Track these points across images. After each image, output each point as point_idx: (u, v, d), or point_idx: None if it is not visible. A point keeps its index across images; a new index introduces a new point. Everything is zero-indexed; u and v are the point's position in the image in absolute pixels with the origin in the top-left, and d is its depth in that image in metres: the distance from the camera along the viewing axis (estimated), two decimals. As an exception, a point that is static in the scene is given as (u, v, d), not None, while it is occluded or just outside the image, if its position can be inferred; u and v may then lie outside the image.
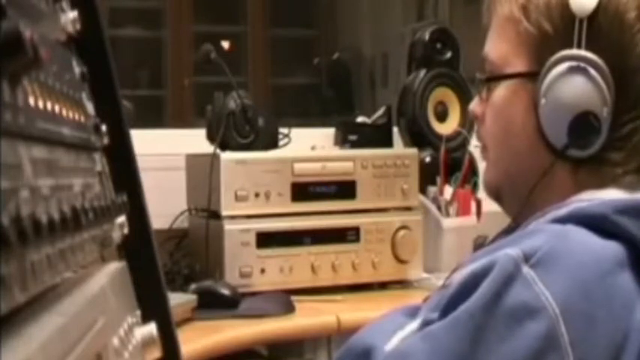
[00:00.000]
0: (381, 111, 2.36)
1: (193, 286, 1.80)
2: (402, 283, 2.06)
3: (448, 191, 2.23)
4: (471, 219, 2.19)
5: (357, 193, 2.02)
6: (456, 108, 2.34)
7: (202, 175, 1.95)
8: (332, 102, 5.52)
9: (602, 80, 1.00)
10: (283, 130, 2.13)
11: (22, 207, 0.43)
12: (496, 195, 1.12)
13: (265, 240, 1.92)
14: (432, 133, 2.32)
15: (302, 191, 1.97)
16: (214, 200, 1.92)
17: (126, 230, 0.73)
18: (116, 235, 0.70)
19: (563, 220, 0.95)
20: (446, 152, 2.24)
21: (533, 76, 1.03)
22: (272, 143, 2.09)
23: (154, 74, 5.85)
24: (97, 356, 0.54)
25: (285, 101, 5.81)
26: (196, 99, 5.39)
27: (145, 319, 0.72)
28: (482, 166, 1.18)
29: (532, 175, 1.05)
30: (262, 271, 1.91)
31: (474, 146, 2.11)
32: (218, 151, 1.95)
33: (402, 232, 2.04)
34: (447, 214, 2.21)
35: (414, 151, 2.13)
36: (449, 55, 2.37)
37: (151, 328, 0.69)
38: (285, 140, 2.13)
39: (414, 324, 0.97)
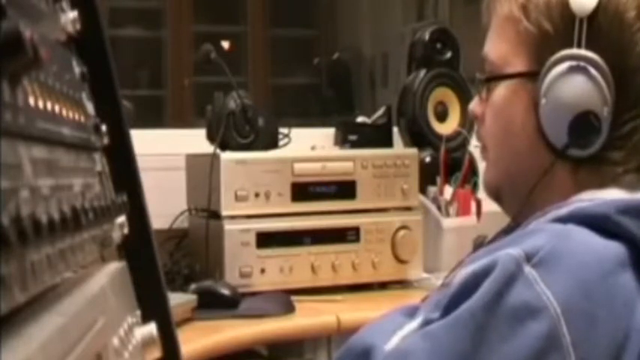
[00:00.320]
0: (381, 111, 2.36)
1: (193, 286, 1.80)
2: (402, 283, 2.06)
3: (448, 191, 2.23)
4: (471, 219, 2.19)
5: (357, 193, 2.02)
6: (456, 108, 2.34)
7: (202, 175, 1.95)
8: (332, 102, 5.52)
9: (603, 79, 1.00)
10: (283, 130, 2.13)
11: (22, 207, 0.43)
12: (496, 195, 1.12)
13: (265, 240, 1.92)
14: (432, 133, 2.32)
15: (302, 191, 1.97)
16: (214, 200, 1.92)
17: (126, 230, 0.73)
18: (116, 235, 0.70)
19: (564, 220, 0.95)
20: (446, 152, 2.24)
21: (533, 75, 1.03)
22: (272, 143, 2.09)
23: (154, 74, 5.85)
24: (97, 356, 0.54)
25: (285, 101, 5.81)
26: (196, 99, 5.39)
27: (145, 319, 0.72)
28: (482, 166, 1.18)
29: (532, 175, 1.05)
30: (262, 271, 1.91)
31: (474, 146, 2.11)
32: (218, 151, 1.95)
33: (402, 232, 2.04)
34: (447, 214, 2.21)
35: (414, 151, 2.13)
36: (449, 55, 2.37)
37: (151, 328, 0.69)
38: (285, 140, 2.13)
39: (414, 323, 0.97)
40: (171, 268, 2.01)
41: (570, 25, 1.01)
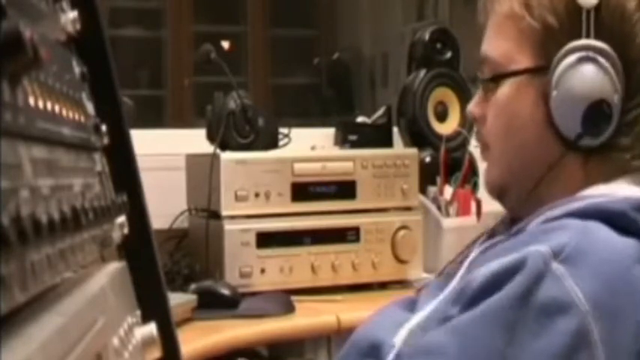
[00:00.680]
0: (381, 111, 2.36)
1: (193, 286, 1.80)
2: (402, 283, 2.06)
3: (448, 191, 2.23)
4: (471, 219, 2.19)
5: (357, 193, 2.02)
6: (456, 108, 2.34)
7: (202, 175, 1.95)
8: (332, 102, 5.52)
9: (612, 68, 1.02)
10: (283, 130, 2.13)
11: (22, 207, 0.43)
12: (499, 192, 1.12)
13: (265, 240, 1.92)
14: (432, 133, 2.32)
15: (302, 191, 1.97)
16: (214, 200, 1.92)
17: (126, 230, 0.73)
18: (116, 235, 0.70)
19: (580, 215, 0.97)
20: (446, 152, 2.24)
21: (541, 70, 1.04)
22: (272, 143, 2.09)
23: (154, 74, 5.84)
24: (97, 356, 0.54)
25: (285, 101, 5.81)
26: (196, 99, 5.39)
27: (145, 319, 0.72)
28: (482, 166, 1.18)
29: (539, 168, 1.06)
30: (262, 271, 1.91)
31: (474, 146, 2.11)
32: (218, 151, 1.95)
33: (402, 232, 2.04)
34: (447, 214, 2.21)
35: (414, 151, 2.13)
36: (449, 55, 2.37)
37: (151, 328, 0.69)
38: (285, 140, 2.13)
39: (421, 315, 0.98)
40: (171, 268, 2.00)
41: (575, 18, 1.02)
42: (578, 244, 0.92)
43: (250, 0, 5.98)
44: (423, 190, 2.19)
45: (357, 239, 2.01)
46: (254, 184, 1.92)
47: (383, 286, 2.05)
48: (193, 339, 1.58)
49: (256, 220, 1.92)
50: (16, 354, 0.41)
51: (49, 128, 0.52)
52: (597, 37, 1.02)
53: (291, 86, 6.05)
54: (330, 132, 2.35)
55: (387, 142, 2.29)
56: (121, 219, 0.72)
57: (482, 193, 1.25)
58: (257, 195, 1.92)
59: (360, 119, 2.41)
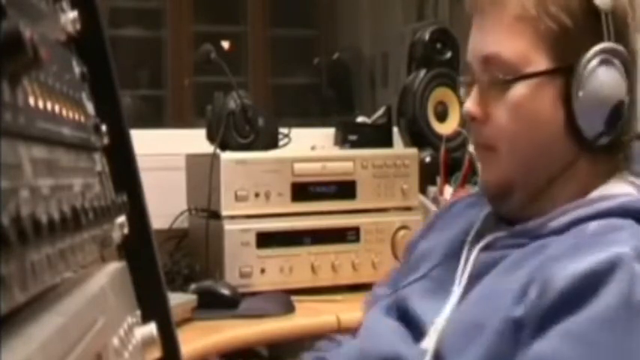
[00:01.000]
0: (381, 111, 2.36)
1: (193, 286, 1.80)
2: (402, 283, 2.06)
3: (448, 191, 2.23)
4: (471, 219, 2.19)
5: (357, 193, 2.02)
6: (455, 108, 2.34)
7: (202, 175, 1.95)
8: (332, 102, 5.51)
9: (625, 70, 1.07)
10: (283, 130, 2.13)
11: (22, 207, 0.43)
12: (501, 193, 1.12)
13: (265, 240, 1.92)
14: (432, 133, 2.32)
15: (302, 191, 1.97)
16: (214, 200, 1.92)
17: (126, 230, 0.73)
18: (116, 235, 0.70)
19: (617, 214, 1.02)
20: (446, 152, 2.24)
21: (561, 71, 1.06)
22: (272, 143, 2.09)
23: (154, 74, 5.84)
24: (97, 356, 0.54)
25: (285, 101, 5.80)
26: (196, 99, 5.38)
27: (145, 319, 0.72)
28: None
29: (554, 168, 1.09)
30: (262, 271, 1.91)
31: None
32: (218, 151, 1.95)
33: (402, 232, 2.04)
34: (447, 214, 2.20)
35: (414, 151, 2.13)
36: (449, 55, 2.37)
37: (151, 328, 0.69)
38: (285, 140, 2.13)
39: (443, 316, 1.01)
40: (171, 268, 2.00)
41: (590, 19, 1.05)
42: None
43: (250, 0, 5.97)
44: (423, 190, 2.19)
45: (357, 239, 2.01)
46: (254, 184, 1.92)
47: (383, 286, 2.05)
48: (193, 339, 1.58)
49: (256, 220, 1.92)
50: (16, 354, 0.41)
51: (49, 128, 0.52)
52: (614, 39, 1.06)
53: (291, 86, 6.05)
54: (330, 132, 2.35)
55: (387, 142, 2.29)
56: (121, 219, 0.72)
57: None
58: (257, 195, 1.92)
59: (360, 119, 2.41)
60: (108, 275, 0.66)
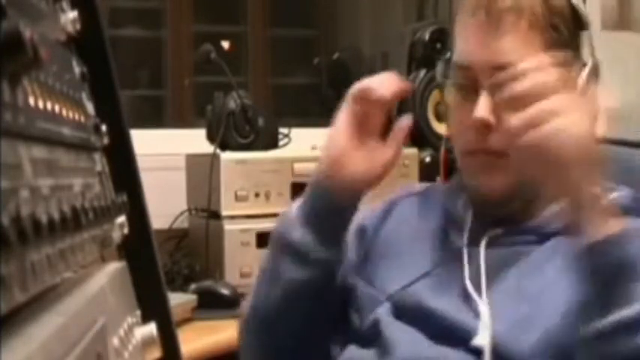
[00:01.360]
0: (380, 111, 2.36)
1: (193, 286, 1.80)
2: (402, 283, 2.06)
3: (448, 191, 2.23)
4: (471, 219, 2.18)
5: (357, 193, 2.01)
6: (456, 108, 2.34)
7: (202, 175, 1.95)
8: (332, 102, 5.50)
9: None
10: (283, 130, 2.13)
11: (22, 207, 0.43)
12: (509, 198, 1.13)
13: (265, 240, 1.92)
14: (432, 133, 2.32)
15: (302, 191, 1.96)
16: (214, 200, 1.92)
17: (126, 230, 0.73)
18: (116, 235, 0.70)
19: (634, 209, 1.07)
20: (446, 152, 2.24)
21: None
22: (272, 143, 2.09)
23: (154, 74, 5.84)
24: (97, 356, 0.53)
25: (285, 101, 5.80)
26: (196, 99, 5.38)
27: (145, 319, 0.72)
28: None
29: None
30: (262, 271, 1.91)
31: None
32: (218, 151, 1.95)
33: (402, 232, 2.03)
34: (447, 214, 2.20)
35: (414, 151, 2.13)
36: (449, 55, 2.36)
37: (151, 328, 0.69)
38: (285, 140, 2.13)
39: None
40: (171, 268, 2.01)
41: (576, 32, 1.14)
42: None
43: (250, 0, 5.97)
44: (423, 190, 2.18)
45: (357, 239, 2.00)
46: (254, 184, 1.92)
47: (383, 286, 2.04)
48: (193, 339, 1.58)
49: (256, 220, 1.92)
50: (16, 354, 0.41)
51: (49, 128, 0.52)
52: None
53: (291, 86, 6.05)
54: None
55: (387, 142, 2.29)
56: (121, 219, 0.72)
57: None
58: (257, 195, 1.92)
59: (360, 119, 2.41)
60: (108, 275, 0.66)
